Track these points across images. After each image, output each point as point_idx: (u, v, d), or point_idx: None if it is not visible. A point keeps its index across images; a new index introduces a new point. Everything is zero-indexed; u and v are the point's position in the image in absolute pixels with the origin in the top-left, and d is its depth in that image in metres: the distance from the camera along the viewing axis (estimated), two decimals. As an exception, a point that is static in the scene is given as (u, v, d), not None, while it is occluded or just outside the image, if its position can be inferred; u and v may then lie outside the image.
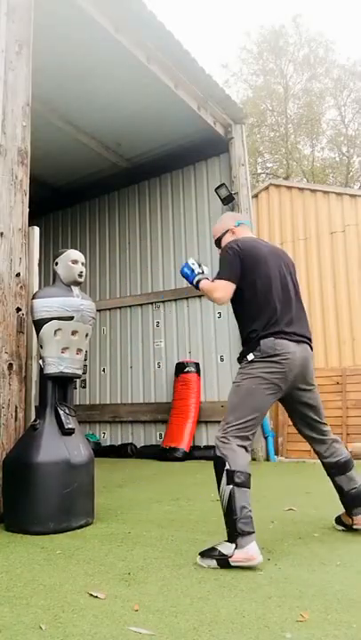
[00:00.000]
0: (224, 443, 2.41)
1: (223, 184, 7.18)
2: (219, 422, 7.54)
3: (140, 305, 8.09)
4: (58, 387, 3.20)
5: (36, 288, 3.50)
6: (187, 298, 7.52)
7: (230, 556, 2.21)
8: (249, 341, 2.55)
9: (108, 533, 2.87)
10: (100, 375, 8.37)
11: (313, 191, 8.09)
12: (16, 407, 3.24)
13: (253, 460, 6.59)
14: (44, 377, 3.19)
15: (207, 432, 7.15)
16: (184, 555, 2.44)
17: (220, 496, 2.33)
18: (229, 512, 2.27)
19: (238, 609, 1.78)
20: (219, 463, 2.38)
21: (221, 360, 7.18)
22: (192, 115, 6.81)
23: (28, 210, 3.51)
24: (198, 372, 7.17)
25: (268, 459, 6.59)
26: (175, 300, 7.70)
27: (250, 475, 2.36)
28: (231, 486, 2.28)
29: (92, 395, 8.40)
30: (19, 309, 3.33)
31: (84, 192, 9.00)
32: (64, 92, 6.49)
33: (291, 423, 7.25)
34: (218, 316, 7.30)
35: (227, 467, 2.32)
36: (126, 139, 7.65)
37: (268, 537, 2.74)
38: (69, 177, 8.82)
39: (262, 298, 2.55)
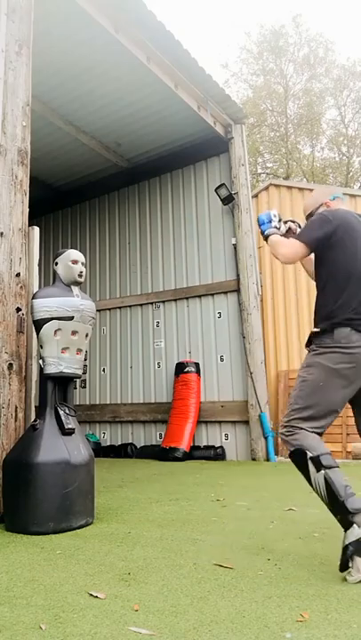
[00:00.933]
0: (292, 433, 2.20)
1: (223, 184, 7.18)
2: (219, 422, 7.58)
3: (140, 305, 8.09)
4: (58, 387, 3.20)
5: (36, 288, 3.50)
6: (187, 298, 7.52)
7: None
8: (321, 324, 2.28)
9: (108, 533, 2.87)
10: (100, 375, 8.37)
11: (313, 191, 8.10)
12: (16, 407, 3.24)
13: (253, 459, 6.59)
14: (44, 377, 3.19)
15: (207, 432, 7.15)
16: (184, 555, 2.44)
17: (314, 487, 2.13)
18: (334, 497, 2.05)
19: (238, 609, 1.78)
20: (298, 454, 2.16)
21: (221, 360, 7.18)
22: (192, 115, 6.82)
23: (28, 210, 3.51)
24: (198, 372, 7.18)
25: (268, 459, 6.59)
26: (175, 300, 7.70)
27: (331, 454, 2.17)
28: (323, 471, 2.08)
29: (92, 395, 8.40)
30: (19, 309, 3.33)
31: (84, 192, 9.00)
32: (64, 91, 6.50)
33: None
34: (218, 315, 7.30)
35: (309, 454, 2.12)
36: (126, 139, 7.66)
37: (268, 537, 2.74)
38: (69, 177, 8.82)
39: (345, 277, 2.26)
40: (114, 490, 4.32)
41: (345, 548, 2.01)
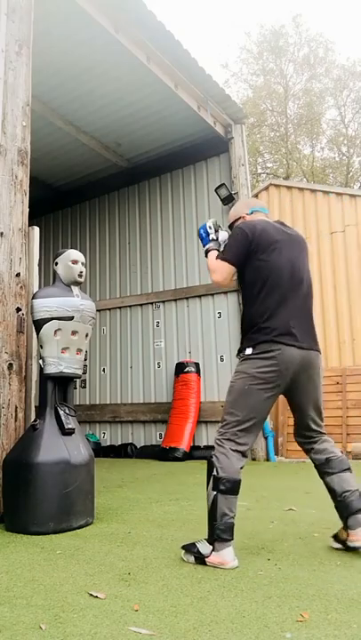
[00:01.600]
0: (219, 445, 2.36)
1: (223, 184, 7.18)
2: (219, 422, 7.56)
3: (140, 305, 8.09)
4: (58, 387, 3.20)
5: (36, 288, 3.50)
6: (187, 298, 7.52)
7: (207, 557, 2.25)
8: (247, 334, 2.42)
9: (108, 533, 2.87)
10: (100, 375, 8.37)
11: (313, 191, 8.09)
12: (16, 407, 3.24)
13: (253, 460, 6.59)
14: (44, 377, 3.19)
15: (207, 432, 7.15)
16: (184, 555, 2.44)
17: (206, 496, 2.33)
18: (211, 516, 2.28)
19: (238, 609, 1.78)
20: (210, 465, 2.34)
21: (221, 360, 7.18)
22: (192, 115, 6.82)
23: (28, 210, 3.51)
24: (198, 372, 7.18)
25: (268, 459, 6.59)
26: (175, 300, 7.70)
27: (239, 481, 2.29)
28: (215, 492, 2.26)
29: (92, 395, 8.40)
30: (19, 309, 3.33)
31: (84, 192, 9.00)
32: (64, 91, 6.50)
33: (291, 423, 7.24)
34: (218, 315, 7.30)
35: (214, 472, 2.28)
36: (126, 139, 7.66)
37: (268, 537, 2.74)
38: (69, 177, 8.83)
39: (267, 288, 2.39)
40: (114, 490, 4.32)
41: (194, 545, 2.31)
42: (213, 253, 2.60)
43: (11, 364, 3.23)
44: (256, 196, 8.45)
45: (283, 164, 20.49)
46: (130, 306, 8.19)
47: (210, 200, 7.60)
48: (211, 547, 2.25)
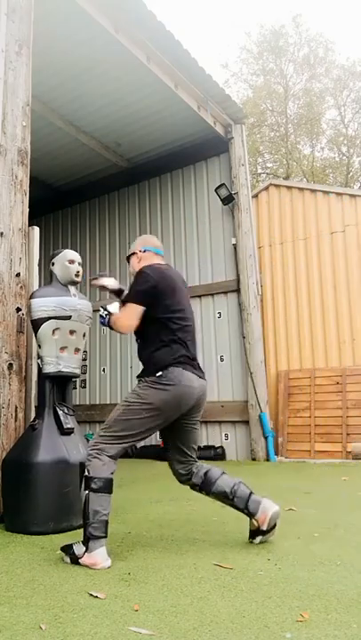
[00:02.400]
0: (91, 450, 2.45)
1: (223, 184, 7.18)
2: (219, 422, 7.56)
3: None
4: (56, 386, 3.20)
5: (35, 288, 3.50)
6: (187, 298, 7.52)
7: (80, 557, 2.30)
8: (154, 362, 2.61)
9: (108, 533, 2.86)
10: (100, 375, 8.37)
11: (313, 191, 8.08)
12: (16, 407, 3.24)
13: (253, 459, 6.59)
14: (42, 376, 3.19)
15: (207, 432, 7.15)
16: (184, 555, 2.44)
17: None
18: (84, 516, 2.34)
19: (238, 609, 1.78)
20: (82, 470, 2.47)
21: (221, 360, 7.18)
22: (192, 115, 6.81)
23: (27, 210, 3.51)
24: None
25: (268, 459, 6.59)
26: (175, 300, 7.69)
27: (110, 480, 2.40)
28: (87, 492, 2.35)
29: (92, 395, 8.40)
30: (19, 309, 3.33)
31: (84, 192, 9.00)
32: (64, 91, 6.50)
33: (291, 423, 7.23)
34: (218, 315, 7.30)
35: (85, 473, 2.40)
36: (126, 139, 7.66)
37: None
38: (69, 177, 8.82)
39: (174, 325, 2.62)
40: (114, 490, 4.32)
41: (71, 546, 2.36)
42: (115, 315, 2.71)
43: (11, 364, 3.23)
44: (256, 196, 8.44)
45: (283, 164, 20.48)
46: (130, 306, 8.18)
47: (210, 200, 7.60)
48: (84, 548, 2.30)
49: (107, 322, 2.74)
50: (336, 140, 20.20)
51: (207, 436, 7.13)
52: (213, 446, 6.94)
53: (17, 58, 3.59)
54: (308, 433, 6.96)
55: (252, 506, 2.53)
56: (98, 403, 8.31)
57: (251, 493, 2.56)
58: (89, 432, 8.12)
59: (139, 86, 6.35)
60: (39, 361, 3.20)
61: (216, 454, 6.77)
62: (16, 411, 3.24)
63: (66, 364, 3.19)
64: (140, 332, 2.71)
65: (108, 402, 8.21)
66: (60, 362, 3.16)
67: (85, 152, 7.91)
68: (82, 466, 3.06)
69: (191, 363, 2.63)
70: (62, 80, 6.27)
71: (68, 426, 3.08)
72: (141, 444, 7.65)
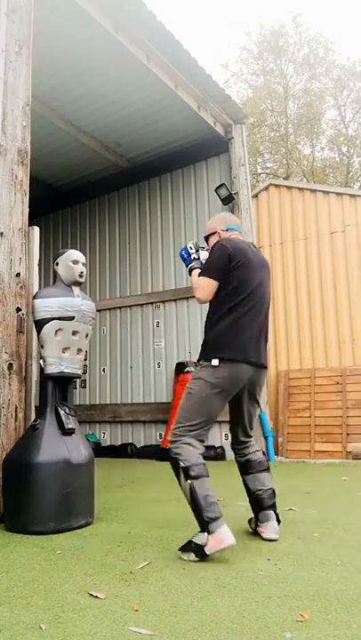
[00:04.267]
0: (174, 442, 2.51)
1: (223, 184, 7.18)
2: (219, 422, 7.56)
3: (140, 305, 8.09)
4: (58, 387, 3.20)
5: (36, 288, 3.49)
6: (187, 298, 7.52)
7: (205, 544, 2.29)
8: (214, 345, 2.59)
9: (108, 533, 2.87)
10: (100, 375, 8.37)
11: (313, 191, 8.08)
12: (16, 407, 3.24)
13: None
14: (44, 377, 3.19)
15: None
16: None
17: (183, 493, 2.43)
18: (195, 504, 2.36)
19: (238, 609, 1.78)
20: (174, 463, 2.47)
21: (221, 360, 7.17)
22: (192, 115, 6.81)
23: (28, 210, 3.51)
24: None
25: (268, 459, 6.59)
26: (175, 300, 7.70)
27: (205, 464, 2.45)
28: (190, 481, 2.37)
29: (92, 395, 8.40)
30: (19, 309, 3.33)
31: (84, 192, 9.00)
32: (64, 91, 6.50)
33: (291, 423, 7.24)
34: (218, 315, 7.29)
35: (181, 465, 2.42)
36: (126, 139, 7.66)
37: (268, 537, 2.74)
38: (69, 177, 8.82)
39: (239, 307, 2.60)
40: (114, 490, 4.32)
41: (190, 542, 2.37)
42: (196, 272, 2.75)
43: (11, 364, 3.23)
44: (256, 196, 8.44)
45: (283, 164, 20.47)
46: (130, 306, 8.19)
47: (210, 200, 7.60)
48: (205, 534, 2.31)
49: (190, 260, 2.80)
50: (336, 140, 20.20)
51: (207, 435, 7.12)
52: (213, 446, 6.93)
53: (17, 58, 3.59)
54: (308, 433, 6.96)
55: (262, 517, 2.71)
56: (98, 403, 8.31)
57: (270, 507, 2.71)
58: (89, 432, 8.12)
59: (139, 86, 6.35)
60: (41, 361, 3.20)
61: (216, 454, 6.77)
62: (16, 411, 3.24)
63: (68, 364, 3.19)
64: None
65: (108, 402, 8.21)
66: (63, 362, 3.16)
67: (85, 152, 7.91)
68: (84, 466, 3.08)
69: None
70: (62, 80, 6.27)
71: (70, 426, 3.08)
72: (142, 443, 7.66)
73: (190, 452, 2.44)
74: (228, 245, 2.64)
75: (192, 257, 2.82)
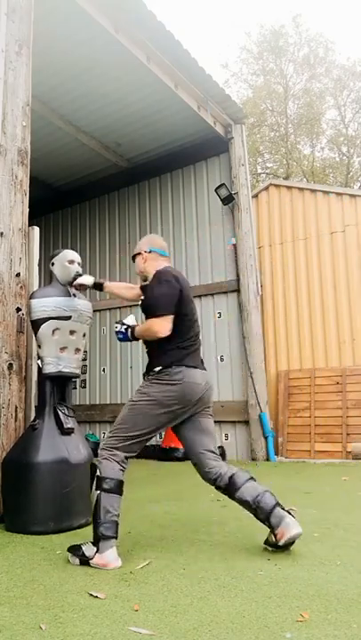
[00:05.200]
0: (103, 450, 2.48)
1: (223, 184, 7.18)
2: (219, 422, 7.57)
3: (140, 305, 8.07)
4: (56, 386, 3.20)
5: (35, 288, 3.50)
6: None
7: (90, 559, 2.29)
8: (163, 357, 2.58)
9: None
10: (100, 375, 8.37)
11: (313, 191, 8.08)
12: (16, 407, 3.24)
13: (253, 459, 6.59)
14: (42, 377, 3.19)
15: (207, 432, 7.14)
16: (184, 555, 2.44)
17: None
18: (94, 515, 2.35)
19: (238, 609, 1.78)
20: (94, 470, 2.48)
21: (221, 360, 7.18)
22: (192, 115, 6.81)
23: (27, 210, 3.51)
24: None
25: (268, 459, 6.59)
26: (175, 299, 7.69)
27: (121, 482, 2.42)
28: (99, 491, 2.37)
29: (92, 395, 8.40)
30: (19, 309, 3.33)
31: (84, 192, 9.00)
32: (64, 91, 6.50)
33: (291, 423, 7.23)
34: (218, 315, 7.30)
35: (97, 473, 2.41)
36: (126, 139, 7.65)
37: (268, 537, 2.74)
38: (69, 177, 8.82)
39: (186, 327, 2.66)
40: (114, 490, 4.32)
41: (79, 548, 2.34)
42: (139, 327, 2.76)
43: (11, 364, 3.23)
44: (256, 196, 8.44)
45: (283, 164, 20.47)
46: (130, 306, 8.18)
47: (210, 200, 7.60)
48: (95, 548, 2.30)
49: (130, 335, 2.77)
50: (336, 140, 20.19)
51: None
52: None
53: (17, 58, 3.59)
54: (309, 433, 6.96)
55: (274, 520, 2.44)
56: (98, 403, 8.31)
57: (275, 505, 2.49)
58: (89, 432, 8.12)
59: (139, 86, 6.35)
60: (39, 361, 3.20)
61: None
62: (16, 411, 3.24)
63: (66, 364, 3.19)
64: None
65: (108, 402, 8.21)
66: (61, 362, 3.16)
67: (85, 152, 7.91)
68: (83, 466, 3.08)
69: (196, 360, 2.67)
70: (62, 80, 6.27)
71: (69, 426, 3.08)
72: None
73: (111, 466, 2.41)
74: (173, 278, 2.65)
75: (124, 328, 2.83)
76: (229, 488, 2.54)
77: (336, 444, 6.71)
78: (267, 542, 2.53)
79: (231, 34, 30.63)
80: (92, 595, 1.92)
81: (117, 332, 2.83)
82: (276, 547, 2.46)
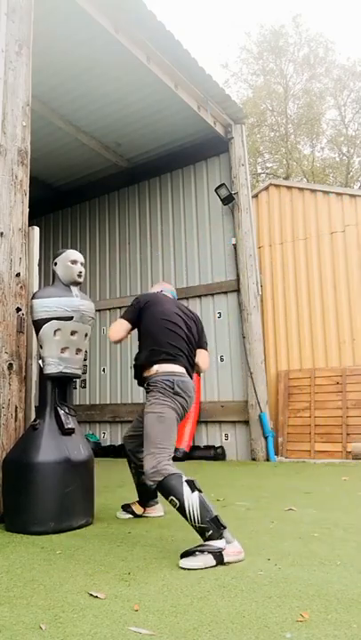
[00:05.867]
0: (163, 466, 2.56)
1: (223, 184, 7.18)
2: (219, 422, 7.57)
3: (140, 305, 8.07)
4: (58, 387, 3.20)
5: (36, 288, 3.49)
6: (187, 298, 7.52)
7: (223, 549, 2.28)
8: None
9: (108, 533, 2.87)
10: (100, 375, 8.37)
11: (313, 191, 8.08)
12: (16, 407, 3.24)
13: (253, 460, 6.59)
14: (43, 377, 3.18)
15: (207, 432, 7.15)
16: (184, 555, 2.43)
17: (187, 508, 2.36)
18: (207, 512, 2.35)
19: (238, 609, 1.78)
20: (175, 478, 2.46)
21: (221, 360, 7.18)
22: (192, 115, 6.82)
23: (27, 210, 3.51)
24: (198, 372, 7.17)
25: (268, 459, 6.59)
26: (175, 299, 7.69)
27: (191, 483, 2.47)
28: (197, 492, 2.39)
29: (92, 395, 8.40)
30: (19, 309, 3.33)
31: (84, 192, 9.00)
32: (64, 91, 6.50)
33: (291, 423, 7.23)
34: (218, 315, 7.30)
35: (185, 478, 2.44)
36: (126, 139, 7.66)
37: (268, 537, 2.74)
38: (69, 177, 8.82)
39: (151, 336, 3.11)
40: (114, 490, 4.32)
41: (202, 546, 2.31)
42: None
43: (11, 364, 3.23)
44: (256, 196, 8.43)
45: (283, 164, 20.47)
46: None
47: (210, 200, 7.60)
48: (222, 540, 2.30)
49: None
50: (336, 140, 20.19)
51: (207, 435, 7.13)
52: (213, 446, 6.94)
53: (17, 58, 3.59)
54: (309, 433, 6.96)
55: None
56: (98, 403, 8.31)
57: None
58: (89, 432, 8.12)
59: (139, 86, 6.35)
60: (40, 361, 3.20)
61: (216, 454, 6.78)
62: (16, 411, 3.24)
63: (67, 364, 3.18)
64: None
65: (108, 402, 8.21)
66: (62, 362, 3.16)
67: (85, 152, 7.91)
68: (83, 466, 3.08)
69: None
70: (62, 80, 6.27)
71: (69, 426, 3.07)
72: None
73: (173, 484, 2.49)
74: (139, 297, 3.27)
75: None
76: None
77: (336, 444, 6.71)
78: (126, 507, 3.30)
79: (231, 34, 30.64)
80: (92, 595, 1.92)
81: None
82: (133, 514, 3.27)
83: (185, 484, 2.41)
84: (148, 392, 2.90)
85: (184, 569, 2.21)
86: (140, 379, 3.08)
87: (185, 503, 2.37)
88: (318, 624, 1.65)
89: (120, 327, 3.12)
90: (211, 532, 2.31)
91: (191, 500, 2.36)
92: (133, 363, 3.20)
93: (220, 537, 2.31)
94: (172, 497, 2.42)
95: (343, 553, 2.43)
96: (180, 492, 2.40)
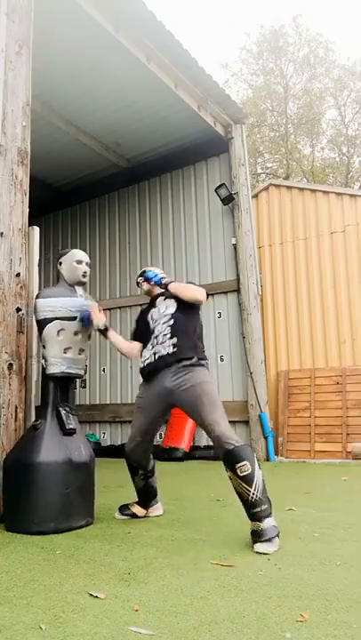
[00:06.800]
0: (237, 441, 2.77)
1: (223, 184, 7.18)
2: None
3: (141, 305, 8.07)
4: (60, 387, 3.20)
5: (35, 288, 3.49)
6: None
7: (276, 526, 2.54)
8: (202, 350, 3.07)
9: (108, 533, 2.87)
10: (100, 375, 8.37)
11: (313, 191, 8.08)
12: (16, 407, 3.24)
13: (253, 459, 6.58)
14: (46, 377, 3.18)
15: (207, 432, 7.14)
16: (184, 555, 2.44)
17: (256, 477, 2.55)
18: (265, 490, 2.58)
19: (238, 609, 1.78)
20: (250, 448, 2.75)
21: (221, 360, 7.18)
22: (192, 115, 6.82)
23: (27, 210, 3.51)
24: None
25: (268, 459, 6.59)
26: (175, 299, 7.69)
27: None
28: (261, 470, 2.61)
29: (92, 395, 8.40)
30: (19, 309, 3.33)
31: (84, 192, 9.00)
32: (64, 92, 6.50)
33: (291, 423, 7.24)
34: (218, 315, 7.30)
35: (256, 455, 2.69)
36: (126, 139, 7.66)
37: (268, 537, 2.73)
38: (69, 177, 8.82)
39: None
40: (114, 490, 4.32)
41: (262, 531, 2.51)
42: (176, 283, 3.23)
43: (11, 364, 3.23)
44: (256, 196, 8.43)
45: (283, 164, 20.47)
46: (130, 306, 8.18)
47: (210, 200, 7.60)
48: (271, 519, 2.53)
49: (161, 280, 3.23)
50: (336, 140, 20.19)
51: (207, 435, 7.12)
52: (214, 446, 6.93)
53: (17, 58, 3.59)
54: (308, 433, 6.96)
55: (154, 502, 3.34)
56: (98, 403, 8.31)
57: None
58: (89, 432, 8.12)
59: (139, 86, 6.35)
60: (43, 361, 3.20)
61: (216, 454, 6.76)
62: (16, 411, 3.24)
63: (70, 364, 3.18)
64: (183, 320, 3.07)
65: (108, 402, 8.21)
66: (65, 362, 3.16)
67: (85, 152, 7.91)
68: (84, 466, 3.08)
69: None
70: (62, 80, 6.27)
71: (71, 426, 3.07)
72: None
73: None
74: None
75: (161, 275, 3.29)
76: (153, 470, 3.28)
77: (336, 444, 6.71)
78: (125, 508, 3.29)
79: (231, 34, 30.63)
80: (92, 595, 1.92)
81: (152, 272, 3.26)
82: (133, 516, 3.25)
83: (255, 461, 2.61)
84: (194, 366, 2.96)
85: (260, 553, 2.42)
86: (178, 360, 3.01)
87: (256, 472, 2.55)
88: (318, 624, 1.65)
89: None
90: (266, 505, 2.52)
91: (260, 472, 2.59)
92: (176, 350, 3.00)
93: (271, 514, 2.53)
94: (246, 462, 2.57)
95: (343, 553, 2.43)
96: (254, 461, 2.60)
